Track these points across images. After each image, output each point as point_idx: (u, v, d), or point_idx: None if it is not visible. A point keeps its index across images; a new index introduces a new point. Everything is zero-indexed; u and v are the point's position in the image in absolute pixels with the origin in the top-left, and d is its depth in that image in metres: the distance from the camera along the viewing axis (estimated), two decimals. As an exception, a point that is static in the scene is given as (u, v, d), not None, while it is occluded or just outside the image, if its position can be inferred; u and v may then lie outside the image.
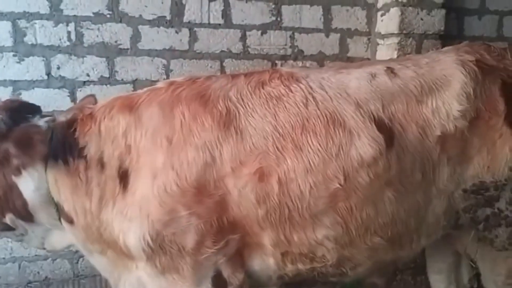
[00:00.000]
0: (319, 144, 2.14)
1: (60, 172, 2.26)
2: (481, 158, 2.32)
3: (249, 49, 3.93)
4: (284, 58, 3.96)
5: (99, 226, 2.27)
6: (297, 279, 2.41)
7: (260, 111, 2.21)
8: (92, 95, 2.65)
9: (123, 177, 2.22)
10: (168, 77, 3.83)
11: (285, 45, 3.99)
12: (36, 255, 3.87)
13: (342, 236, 2.21)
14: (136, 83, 3.77)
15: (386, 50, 3.86)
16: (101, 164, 2.24)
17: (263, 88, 2.27)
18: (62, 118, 2.37)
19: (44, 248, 2.64)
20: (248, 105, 2.23)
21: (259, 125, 2.19)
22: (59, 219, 2.37)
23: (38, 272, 3.89)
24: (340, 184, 2.14)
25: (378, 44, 3.97)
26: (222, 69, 3.90)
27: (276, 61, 3.97)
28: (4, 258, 3.83)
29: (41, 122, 2.32)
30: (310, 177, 2.14)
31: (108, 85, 3.77)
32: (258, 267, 2.30)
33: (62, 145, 2.26)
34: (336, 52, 4.08)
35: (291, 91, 2.24)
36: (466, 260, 2.92)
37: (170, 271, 2.22)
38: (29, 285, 3.78)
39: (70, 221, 2.33)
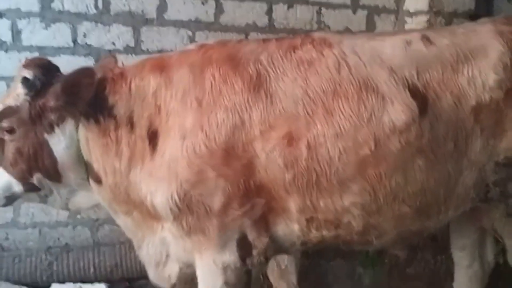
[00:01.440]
0: (351, 110, 2.13)
1: (91, 131, 2.28)
2: None
3: (275, 23, 3.90)
4: (309, 33, 3.94)
5: (127, 186, 2.30)
6: (321, 246, 2.41)
7: (291, 75, 2.20)
8: (113, 55, 2.65)
9: (152, 137, 2.23)
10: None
11: (312, 20, 3.96)
12: (56, 221, 3.93)
13: (369, 204, 2.20)
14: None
15: (414, 28, 3.81)
16: (131, 124, 2.26)
17: (294, 52, 2.26)
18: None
19: (68, 209, 2.67)
20: (279, 69, 2.22)
21: (289, 89, 2.17)
22: (87, 179, 2.39)
23: (58, 238, 3.94)
24: (370, 151, 2.12)
25: (406, 22, 3.92)
26: (247, 42, 3.89)
27: (302, 36, 3.94)
28: (25, 223, 3.89)
29: None
30: (340, 142, 2.12)
31: (133, 55, 3.76)
32: (282, 232, 2.30)
33: (93, 104, 2.27)
34: (363, 29, 4.03)
35: (323, 56, 2.22)
36: (491, 237, 2.90)
37: (196, 232, 2.24)
38: (49, 250, 3.84)
39: (98, 181, 2.35)
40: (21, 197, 2.52)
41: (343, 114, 2.13)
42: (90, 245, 3.95)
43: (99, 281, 3.71)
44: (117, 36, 3.74)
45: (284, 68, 2.22)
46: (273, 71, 2.21)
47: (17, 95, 2.27)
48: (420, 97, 2.15)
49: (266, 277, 4.00)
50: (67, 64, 3.63)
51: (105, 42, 3.73)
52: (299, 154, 2.13)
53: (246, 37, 3.87)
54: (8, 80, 3.61)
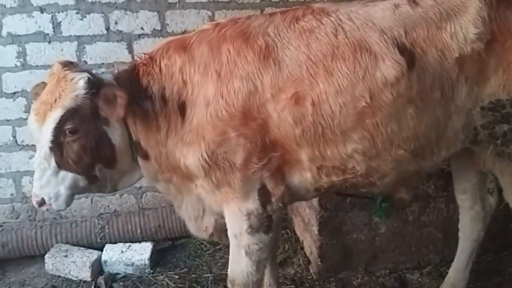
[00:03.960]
0: (348, 68, 2.42)
1: (135, 114, 2.57)
2: (497, 78, 2.52)
3: (288, -3, 4.19)
4: (320, 4, 4.18)
5: (167, 152, 2.62)
6: (332, 190, 2.74)
7: (295, 43, 2.50)
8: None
9: (181, 108, 2.56)
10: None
11: (321, -9, 4.20)
12: (105, 191, 4.39)
13: (369, 149, 2.50)
14: (185, 35, 4.13)
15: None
16: (164, 100, 2.58)
17: (297, 23, 2.55)
18: (124, 67, 2.72)
19: (116, 191, 2.94)
20: (284, 39, 2.52)
21: (294, 55, 2.48)
22: (136, 159, 2.67)
23: (108, 206, 4.46)
24: (366, 103, 2.42)
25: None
26: (263, 17, 4.19)
27: (313, 7, 4.20)
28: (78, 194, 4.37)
29: (107, 76, 2.61)
30: (340, 98, 2.43)
31: (160, 38, 4.15)
32: (297, 181, 2.63)
33: (130, 90, 2.55)
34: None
35: (322, 24, 2.50)
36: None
37: (223, 185, 2.58)
38: (100, 216, 4.34)
39: (146, 157, 2.66)
40: (83, 192, 2.73)
41: (341, 73, 2.41)
42: (136, 210, 4.43)
43: (145, 241, 4.18)
44: (144, 21, 4.13)
45: (288, 38, 2.51)
46: (279, 41, 2.51)
47: (76, 96, 2.41)
48: (408, 53, 2.41)
49: (293, 231, 4.39)
50: (102, 50, 4.14)
51: (135, 27, 4.13)
52: (305, 111, 2.44)
53: (261, 13, 4.19)
54: (53, 68, 4.09)
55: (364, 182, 2.64)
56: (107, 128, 2.53)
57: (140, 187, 4.42)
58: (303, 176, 2.62)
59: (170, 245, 4.31)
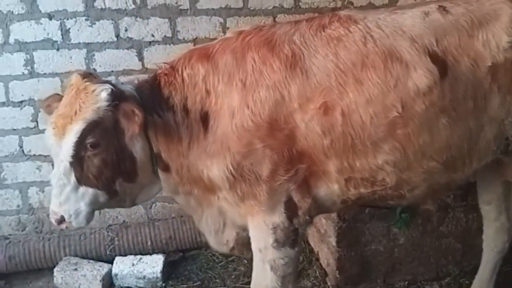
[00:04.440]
0: (378, 78, 2.35)
1: (156, 125, 2.50)
2: None
3: (300, 3, 4.11)
4: (334, 10, 4.11)
5: (188, 164, 2.55)
6: (359, 202, 2.67)
7: (322, 52, 2.43)
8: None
9: (204, 119, 2.49)
10: (225, 34, 4.09)
11: (336, -3, 4.15)
12: (113, 202, 4.29)
13: (400, 161, 2.43)
14: (196, 42, 4.05)
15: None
16: (186, 111, 2.50)
17: (324, 30, 2.49)
18: (144, 77, 2.65)
19: (134, 205, 2.85)
20: (311, 47, 2.45)
21: (322, 64, 2.41)
22: (156, 171, 2.59)
23: (117, 217, 4.34)
24: (398, 113, 2.35)
25: (426, -8, 4.05)
26: (275, 24, 4.12)
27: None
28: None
29: (127, 87, 2.53)
30: (370, 108, 2.36)
31: (171, 45, 4.08)
32: (324, 193, 2.55)
33: (152, 101, 2.51)
34: (386, 3, 4.20)
35: (350, 32, 2.44)
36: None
37: (248, 197, 2.50)
38: (109, 227, 4.23)
39: (166, 169, 2.57)
40: (103, 207, 2.67)
41: (371, 82, 2.35)
42: (146, 221, 4.31)
43: (156, 253, 4.07)
44: (155, 28, 4.04)
45: (315, 46, 2.45)
46: (306, 49, 2.44)
47: (98, 108, 2.32)
48: (440, 62, 2.36)
49: (307, 242, 4.31)
50: (112, 57, 4.05)
51: (145, 34, 4.04)
52: (334, 121, 2.38)
53: (274, 20, 4.10)
54: (61, 76, 3.98)
55: (393, 194, 2.57)
56: (128, 141, 2.44)
57: (150, 198, 4.32)
58: (330, 188, 2.55)
59: (181, 257, 4.21)
